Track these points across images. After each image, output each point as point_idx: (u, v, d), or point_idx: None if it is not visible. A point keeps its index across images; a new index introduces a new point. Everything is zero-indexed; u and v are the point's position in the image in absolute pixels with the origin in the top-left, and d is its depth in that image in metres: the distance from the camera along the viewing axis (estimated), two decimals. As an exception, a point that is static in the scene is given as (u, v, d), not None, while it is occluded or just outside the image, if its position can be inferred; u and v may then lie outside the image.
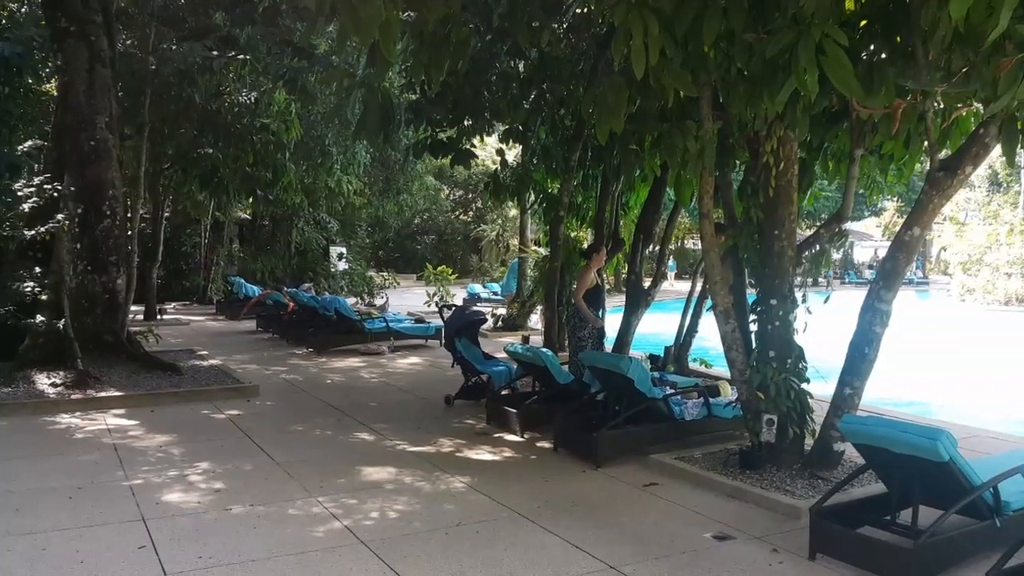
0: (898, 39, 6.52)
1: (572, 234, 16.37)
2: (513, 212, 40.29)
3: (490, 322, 19.48)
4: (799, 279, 8.25)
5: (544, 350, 10.31)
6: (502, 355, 11.69)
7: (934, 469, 5.33)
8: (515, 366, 10.97)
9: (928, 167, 7.31)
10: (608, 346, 12.17)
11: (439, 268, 27.34)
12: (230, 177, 19.38)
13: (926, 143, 7.42)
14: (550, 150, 14.00)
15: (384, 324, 17.75)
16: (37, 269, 12.34)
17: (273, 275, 31.00)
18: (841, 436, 7.28)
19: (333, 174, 25.83)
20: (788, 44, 5.61)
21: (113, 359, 12.64)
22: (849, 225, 8.57)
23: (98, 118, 12.76)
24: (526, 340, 16.52)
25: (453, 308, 13.96)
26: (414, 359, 16.20)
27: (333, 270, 33.23)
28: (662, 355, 12.33)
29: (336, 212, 33.50)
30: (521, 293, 21.93)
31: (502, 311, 21.72)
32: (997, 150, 6.87)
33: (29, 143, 11.98)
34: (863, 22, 6.65)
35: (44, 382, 11.23)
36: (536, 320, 20.51)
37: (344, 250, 34.29)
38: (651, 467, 8.14)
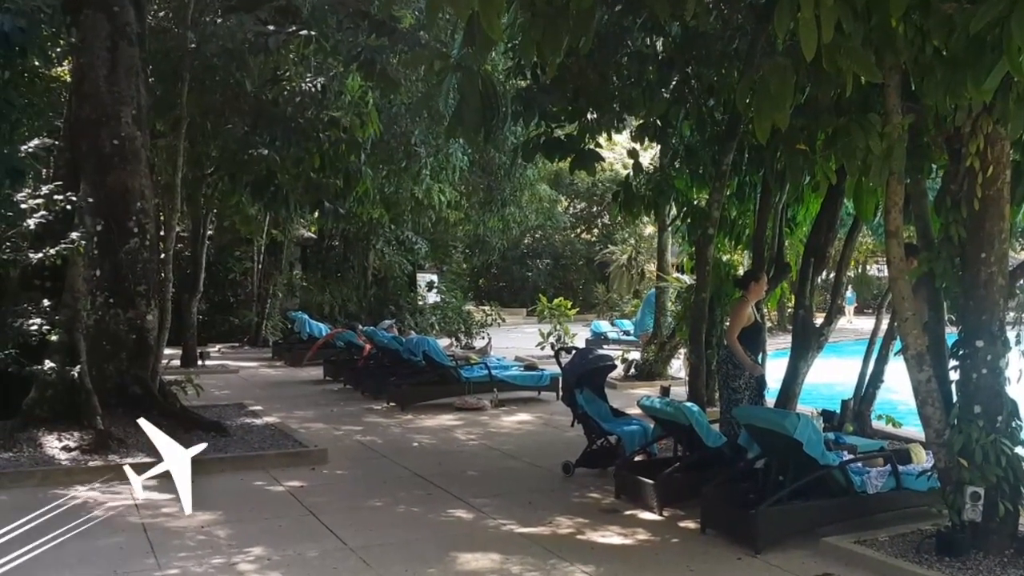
0: None
1: (724, 257, 16.40)
2: (649, 230, 40.35)
3: (620, 369, 19.71)
4: (1012, 315, 8.25)
5: (689, 405, 10.48)
6: (635, 411, 11.88)
7: None
8: (652, 425, 11.19)
9: None
10: (770, 400, 12.28)
11: (555, 301, 27.39)
12: (290, 185, 19.40)
13: None
14: (696, 151, 14.09)
15: (486, 372, 17.94)
16: (46, 302, 12.41)
17: (345, 310, 31.63)
18: (1066, 514, 7.30)
19: (421, 181, 25.93)
20: (998, 16, 5.65)
21: (142, 416, 12.60)
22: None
23: (123, 110, 13.05)
24: (666, 392, 16.60)
25: (573, 352, 14.09)
26: (523, 416, 16.44)
27: (421, 303, 33.75)
28: (838, 411, 12.32)
29: (425, 230, 33.91)
30: (659, 332, 21.94)
31: (635, 355, 21.94)
32: None
33: (35, 142, 11.77)
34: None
35: (55, 445, 11.42)
36: (678, 367, 20.65)
37: (435, 278, 34.74)
38: (824, 553, 8.23)
